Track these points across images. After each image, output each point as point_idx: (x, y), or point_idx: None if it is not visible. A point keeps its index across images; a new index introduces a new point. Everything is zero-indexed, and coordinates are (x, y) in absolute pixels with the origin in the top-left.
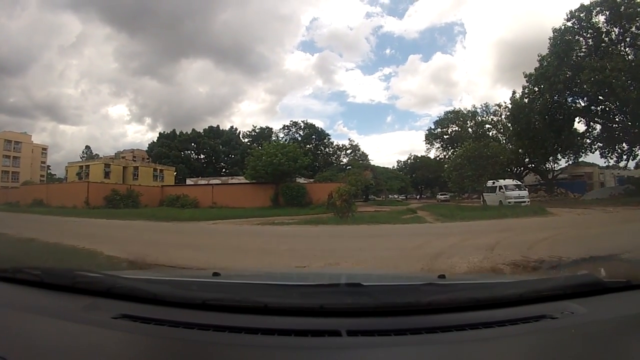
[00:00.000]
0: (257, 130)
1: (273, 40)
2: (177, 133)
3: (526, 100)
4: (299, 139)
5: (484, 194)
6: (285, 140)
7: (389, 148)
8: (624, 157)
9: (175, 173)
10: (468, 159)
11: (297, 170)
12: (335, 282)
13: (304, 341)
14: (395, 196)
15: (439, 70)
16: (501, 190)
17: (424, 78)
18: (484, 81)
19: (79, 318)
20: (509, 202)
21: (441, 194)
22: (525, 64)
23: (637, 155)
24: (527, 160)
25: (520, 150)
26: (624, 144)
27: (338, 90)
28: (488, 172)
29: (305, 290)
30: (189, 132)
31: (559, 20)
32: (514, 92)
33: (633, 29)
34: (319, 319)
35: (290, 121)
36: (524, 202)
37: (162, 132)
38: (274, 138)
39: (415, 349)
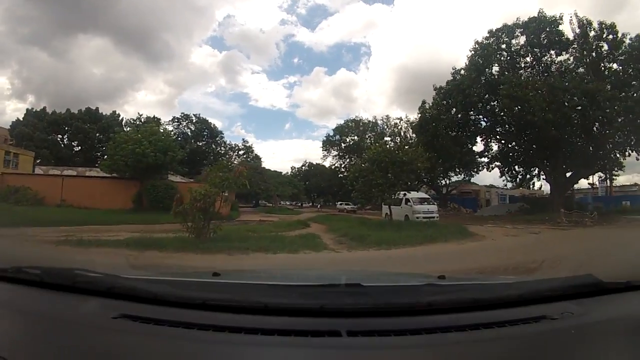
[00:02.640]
0: (142, 119)
1: (182, 30)
2: (49, 112)
3: (435, 112)
4: (190, 133)
5: (390, 206)
6: (175, 134)
7: (285, 155)
8: (519, 177)
9: (38, 160)
10: (378, 164)
11: (168, 164)
12: (335, 283)
13: (304, 341)
14: (288, 203)
15: (341, 85)
16: (408, 203)
17: (326, 91)
18: (381, 100)
19: (79, 318)
20: (417, 217)
21: (346, 204)
22: (419, 90)
23: (532, 177)
24: (422, 174)
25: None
26: (521, 167)
27: (241, 92)
28: (402, 181)
29: (305, 290)
30: (63, 112)
31: (454, 53)
32: (423, 102)
33: (546, 57)
34: (319, 319)
35: (181, 113)
36: (433, 217)
37: (29, 108)
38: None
39: (415, 349)
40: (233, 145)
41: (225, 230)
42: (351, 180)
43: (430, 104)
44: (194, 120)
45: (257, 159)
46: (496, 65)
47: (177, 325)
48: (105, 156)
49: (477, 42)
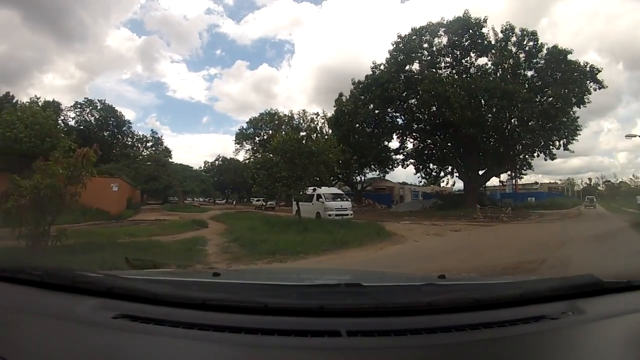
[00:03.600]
0: (40, 104)
1: (99, 8)
2: None
3: (352, 106)
4: (93, 122)
5: (298, 203)
6: (77, 122)
7: (202, 149)
8: (433, 174)
9: None
10: (284, 155)
11: (48, 152)
12: (335, 283)
13: (304, 341)
14: (201, 199)
15: (262, 81)
16: (320, 199)
17: (247, 85)
18: (301, 98)
19: (78, 318)
20: (330, 215)
21: (264, 200)
22: (340, 90)
23: (446, 174)
24: (335, 168)
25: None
26: (435, 164)
27: (158, 81)
28: (311, 174)
29: (305, 290)
30: None
31: (378, 58)
32: (340, 95)
33: (467, 59)
34: (319, 319)
35: (85, 99)
36: (347, 214)
37: None
38: (62, 118)
39: (415, 349)
40: (141, 137)
41: (88, 234)
42: (252, 173)
43: (348, 97)
44: (99, 107)
45: (167, 151)
46: (417, 62)
47: (177, 325)
48: None
49: (399, 36)
